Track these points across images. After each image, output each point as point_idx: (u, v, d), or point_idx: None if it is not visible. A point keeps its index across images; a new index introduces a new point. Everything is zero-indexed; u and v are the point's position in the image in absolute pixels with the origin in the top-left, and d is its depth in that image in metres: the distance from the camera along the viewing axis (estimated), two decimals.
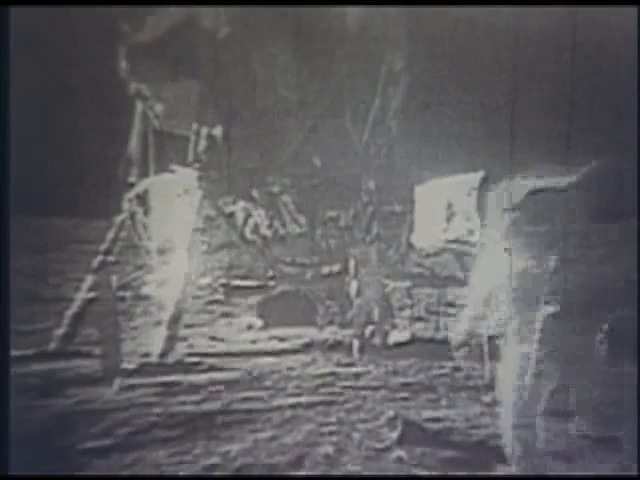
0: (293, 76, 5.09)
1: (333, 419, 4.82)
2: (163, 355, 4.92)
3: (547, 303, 4.71)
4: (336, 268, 5.23)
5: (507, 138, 4.91)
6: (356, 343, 5.11)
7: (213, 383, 4.87)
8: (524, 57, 4.88)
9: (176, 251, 5.09)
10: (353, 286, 5.20)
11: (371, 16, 5.03)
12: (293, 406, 4.85)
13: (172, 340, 4.95)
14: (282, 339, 5.10)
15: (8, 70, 4.37)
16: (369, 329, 5.13)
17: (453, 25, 4.90)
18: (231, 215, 5.22)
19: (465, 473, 4.66)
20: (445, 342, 5.08)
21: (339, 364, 5.04)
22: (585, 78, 4.82)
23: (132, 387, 4.77)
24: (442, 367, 5.02)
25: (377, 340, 5.12)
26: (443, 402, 4.93)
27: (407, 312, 5.17)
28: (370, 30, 5.06)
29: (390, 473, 4.66)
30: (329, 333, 5.13)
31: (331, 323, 5.15)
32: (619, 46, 4.78)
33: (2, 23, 4.32)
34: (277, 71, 5.08)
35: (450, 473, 4.65)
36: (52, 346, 4.82)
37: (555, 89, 4.88)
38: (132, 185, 5.08)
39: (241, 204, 5.23)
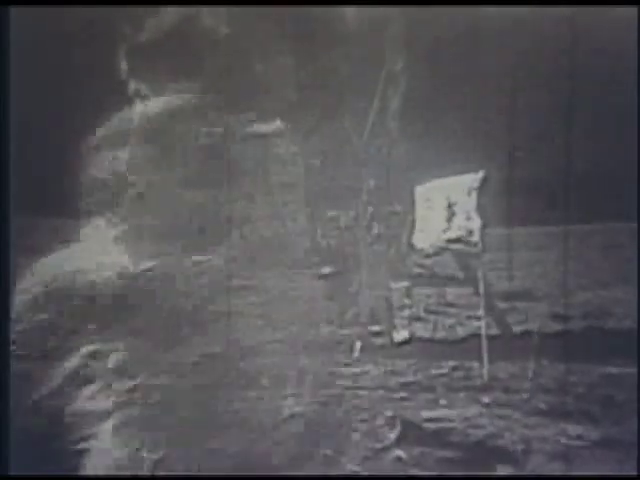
0: (293, 76, 5.11)
1: (332, 419, 4.83)
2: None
3: None
4: (336, 268, 5.23)
5: (507, 138, 4.92)
6: (358, 343, 5.12)
7: (212, 383, 4.89)
8: (524, 57, 4.87)
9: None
10: (353, 286, 5.20)
11: (371, 16, 5.04)
12: (291, 406, 4.86)
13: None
14: (281, 339, 5.11)
15: (8, 70, 4.39)
16: (373, 329, 5.14)
17: (453, 25, 4.90)
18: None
19: (465, 473, 4.67)
20: (444, 342, 5.09)
21: (338, 364, 5.05)
22: (585, 78, 4.81)
23: (131, 386, 4.79)
24: (441, 367, 5.02)
25: (382, 340, 5.13)
26: (442, 402, 4.93)
27: (406, 312, 5.17)
28: (370, 30, 5.06)
29: (389, 473, 4.67)
30: (328, 333, 5.14)
31: (330, 323, 5.15)
32: (619, 46, 4.77)
33: (2, 23, 4.34)
34: (277, 71, 5.10)
35: (450, 473, 4.66)
36: (51, 345, 4.85)
37: (555, 89, 4.87)
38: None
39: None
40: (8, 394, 4.39)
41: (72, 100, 4.85)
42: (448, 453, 4.71)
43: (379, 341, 5.13)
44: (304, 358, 5.04)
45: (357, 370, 5.03)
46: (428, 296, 5.22)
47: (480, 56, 4.93)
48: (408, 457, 4.69)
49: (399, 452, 4.72)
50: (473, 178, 5.03)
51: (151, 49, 5.00)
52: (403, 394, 4.93)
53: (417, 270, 5.25)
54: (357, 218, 5.21)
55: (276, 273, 5.16)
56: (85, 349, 4.82)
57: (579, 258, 4.99)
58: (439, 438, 4.78)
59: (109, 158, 5.03)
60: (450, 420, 4.82)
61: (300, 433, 4.78)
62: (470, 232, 5.07)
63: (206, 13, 4.97)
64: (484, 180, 5.01)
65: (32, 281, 4.86)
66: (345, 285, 5.20)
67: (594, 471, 4.62)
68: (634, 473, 4.56)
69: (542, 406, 4.85)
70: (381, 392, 4.94)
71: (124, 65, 5.00)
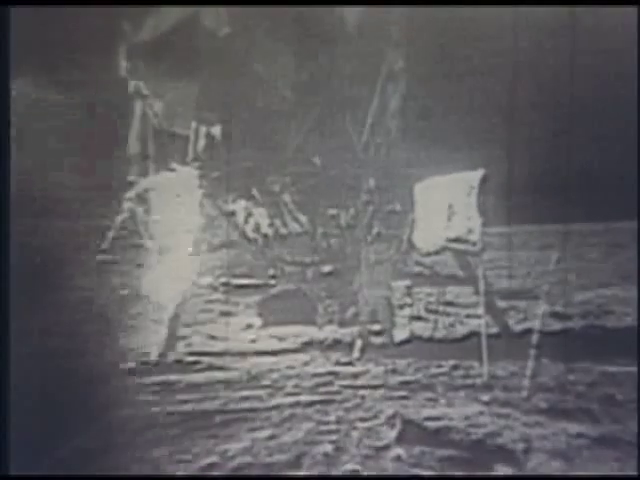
0: (293, 76, 5.11)
1: (332, 418, 4.84)
2: (162, 354, 4.95)
3: None
4: (337, 267, 5.24)
5: (507, 137, 4.92)
6: (359, 342, 5.12)
7: (212, 382, 4.89)
8: (524, 57, 4.88)
9: (176, 250, 5.11)
10: (354, 285, 5.20)
11: (371, 16, 5.04)
12: (292, 405, 4.87)
13: (171, 339, 4.97)
14: (281, 338, 5.11)
15: (8, 70, 4.39)
16: (373, 328, 5.14)
17: (453, 25, 4.90)
18: (232, 214, 5.23)
19: (465, 473, 4.67)
20: (444, 341, 5.09)
21: (338, 363, 5.05)
22: (585, 78, 4.81)
23: (131, 386, 4.80)
24: (441, 366, 5.03)
25: (382, 339, 5.13)
26: (442, 401, 4.94)
27: (406, 311, 5.17)
28: (370, 30, 5.06)
29: (389, 472, 4.68)
30: (328, 332, 5.14)
31: (330, 322, 5.16)
32: (619, 46, 4.77)
33: (2, 23, 4.34)
34: (277, 71, 5.10)
35: (450, 473, 4.67)
36: (51, 345, 4.85)
37: (555, 89, 4.87)
38: (132, 184, 5.09)
39: (242, 203, 5.23)
40: (8, 394, 4.39)
41: (72, 98, 4.85)
42: (448, 452, 4.71)
43: (379, 340, 5.13)
44: (304, 357, 5.05)
45: (357, 369, 5.04)
46: (428, 295, 5.23)
47: (480, 56, 4.93)
48: (408, 456, 4.69)
49: (399, 451, 4.72)
50: (473, 177, 5.03)
51: (151, 47, 5.01)
52: (403, 393, 4.94)
53: (417, 269, 5.25)
54: (357, 217, 5.21)
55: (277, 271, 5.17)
56: None
57: (579, 257, 4.99)
58: (439, 437, 4.78)
59: None
60: (450, 419, 4.83)
61: (301, 431, 4.79)
62: (470, 231, 5.08)
63: None
64: (484, 179, 5.01)
65: None
66: (345, 284, 5.20)
67: (594, 470, 4.63)
68: (634, 473, 4.56)
69: (542, 405, 4.86)
70: (381, 391, 4.95)
71: (124, 63, 5.00)
